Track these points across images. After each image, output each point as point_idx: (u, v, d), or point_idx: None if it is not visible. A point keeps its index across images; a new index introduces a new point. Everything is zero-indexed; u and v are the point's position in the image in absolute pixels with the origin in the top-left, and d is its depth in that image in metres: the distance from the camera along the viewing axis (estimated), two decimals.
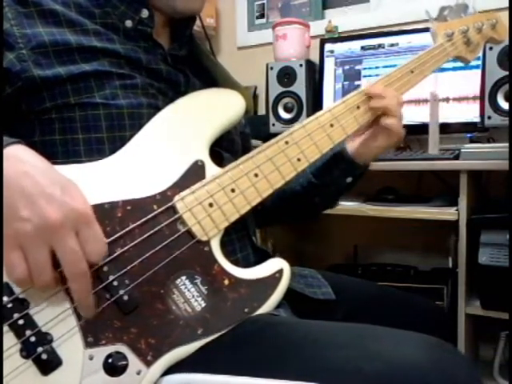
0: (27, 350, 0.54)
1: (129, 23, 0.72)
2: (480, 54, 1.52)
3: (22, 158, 0.54)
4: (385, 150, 0.85)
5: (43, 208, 0.51)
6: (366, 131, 0.84)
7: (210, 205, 0.65)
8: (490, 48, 1.41)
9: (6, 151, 0.53)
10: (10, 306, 0.54)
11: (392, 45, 1.75)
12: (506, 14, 1.22)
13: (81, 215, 0.53)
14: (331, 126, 0.76)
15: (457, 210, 1.36)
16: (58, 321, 0.56)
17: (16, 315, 0.54)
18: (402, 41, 1.74)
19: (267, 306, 0.65)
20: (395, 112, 0.80)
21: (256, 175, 0.68)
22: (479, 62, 1.56)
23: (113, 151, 0.66)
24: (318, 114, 0.76)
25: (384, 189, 1.60)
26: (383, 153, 0.86)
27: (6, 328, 0.54)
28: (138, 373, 0.57)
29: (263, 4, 2.24)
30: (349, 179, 0.87)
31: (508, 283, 1.16)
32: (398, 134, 0.82)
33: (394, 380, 0.53)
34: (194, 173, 0.66)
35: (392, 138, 0.83)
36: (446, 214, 1.38)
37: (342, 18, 2.03)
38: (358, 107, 0.79)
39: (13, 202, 0.51)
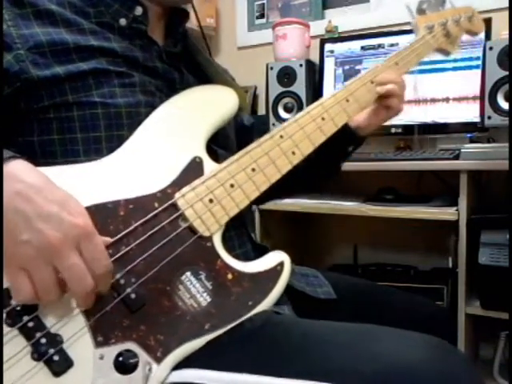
0: (38, 352, 0.54)
1: (123, 21, 0.72)
2: (480, 54, 1.53)
3: (19, 177, 0.53)
4: (390, 118, 0.91)
5: (42, 229, 0.51)
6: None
7: (211, 200, 0.65)
8: (490, 48, 1.41)
9: (5, 169, 0.53)
10: (18, 308, 0.54)
11: (392, 45, 1.76)
12: (505, 14, 1.22)
13: (80, 231, 0.53)
14: (322, 119, 0.77)
15: (457, 210, 1.36)
16: (66, 322, 0.56)
17: (26, 318, 0.54)
18: (402, 41, 1.74)
19: (270, 299, 0.65)
20: (399, 93, 0.86)
21: (253, 170, 0.69)
22: (479, 62, 1.57)
23: (111, 150, 0.65)
24: (310, 107, 0.77)
25: (384, 189, 1.60)
26: (386, 121, 0.92)
27: (15, 331, 0.54)
28: (149, 369, 0.57)
29: (263, 4, 2.24)
30: (350, 148, 0.92)
31: (508, 283, 1.16)
32: (398, 110, 0.89)
33: (394, 380, 0.53)
34: (193, 169, 0.66)
35: (392, 113, 0.89)
36: (446, 213, 1.38)
37: (342, 18, 2.03)
38: (347, 100, 0.81)
39: (12, 225, 0.51)
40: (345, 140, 0.90)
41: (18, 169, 0.54)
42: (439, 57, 1.00)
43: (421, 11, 0.96)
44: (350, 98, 0.81)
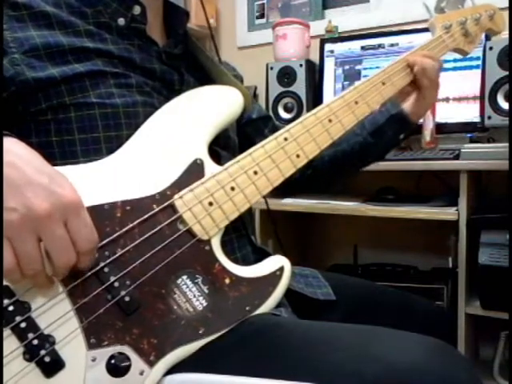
0: (30, 353, 0.54)
1: (121, 21, 0.71)
2: (480, 54, 1.52)
3: (8, 149, 0.53)
4: (429, 107, 0.95)
5: (30, 198, 0.50)
6: (408, 95, 0.93)
7: (210, 204, 0.64)
8: (490, 48, 1.41)
9: None
10: (11, 308, 0.54)
11: (392, 45, 1.76)
12: (505, 14, 1.22)
13: (69, 204, 0.52)
14: (330, 121, 0.75)
15: (457, 210, 1.36)
16: (59, 323, 0.55)
17: (18, 318, 0.54)
18: (402, 41, 1.74)
19: (268, 304, 0.65)
20: (429, 75, 0.88)
21: (255, 173, 0.68)
22: (479, 62, 1.56)
23: (110, 151, 0.65)
24: (316, 109, 0.75)
25: (384, 189, 1.60)
26: (427, 110, 0.97)
27: (8, 331, 0.53)
28: (141, 373, 0.57)
29: (263, 4, 2.24)
30: (401, 136, 0.95)
31: (508, 283, 1.16)
32: (431, 96, 0.91)
33: (393, 382, 0.52)
34: (194, 172, 0.66)
35: (430, 95, 0.91)
36: (446, 214, 1.38)
37: (342, 18, 2.03)
38: (356, 102, 0.79)
39: None
40: (397, 129, 0.94)
41: (11, 142, 0.54)
42: None
43: (439, 9, 0.95)
44: (359, 100, 0.79)
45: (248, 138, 0.90)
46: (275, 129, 0.93)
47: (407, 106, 0.92)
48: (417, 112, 0.93)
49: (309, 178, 1.00)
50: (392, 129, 0.93)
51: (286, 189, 0.84)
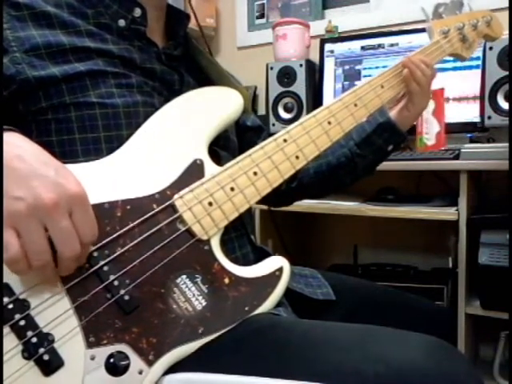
0: (29, 351, 0.54)
1: (122, 22, 0.72)
2: (480, 54, 1.52)
3: (14, 143, 0.53)
4: (417, 115, 0.93)
5: (37, 188, 0.51)
6: (398, 102, 0.93)
7: (210, 204, 0.65)
8: (490, 48, 1.41)
9: (4, 138, 0.53)
10: (10, 306, 0.54)
11: (392, 45, 1.76)
12: (505, 14, 1.22)
13: (75, 196, 0.53)
14: (329, 123, 0.76)
15: (457, 210, 1.36)
16: (59, 321, 0.55)
17: (17, 316, 0.54)
18: (402, 41, 1.74)
19: (267, 304, 0.65)
20: (418, 79, 0.88)
21: (255, 173, 0.68)
22: (479, 62, 1.56)
23: (110, 150, 0.65)
24: (316, 111, 0.76)
25: (384, 189, 1.60)
26: (416, 119, 0.95)
27: (7, 329, 0.53)
28: (140, 372, 0.57)
29: (263, 4, 2.24)
30: (390, 147, 0.93)
31: (508, 283, 1.16)
32: (420, 104, 0.91)
33: (394, 382, 0.52)
34: (193, 172, 0.66)
35: (419, 102, 0.90)
36: (446, 214, 1.38)
37: (342, 18, 2.03)
38: (356, 105, 0.80)
39: (6, 184, 0.50)
40: (385, 138, 0.92)
41: (17, 136, 0.55)
42: None
43: (437, 15, 0.95)
44: (358, 103, 0.80)
45: (241, 143, 0.89)
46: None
47: (395, 113, 0.92)
48: (405, 119, 0.92)
49: (295, 191, 0.99)
50: (381, 138, 0.91)
51: (272, 201, 0.83)
